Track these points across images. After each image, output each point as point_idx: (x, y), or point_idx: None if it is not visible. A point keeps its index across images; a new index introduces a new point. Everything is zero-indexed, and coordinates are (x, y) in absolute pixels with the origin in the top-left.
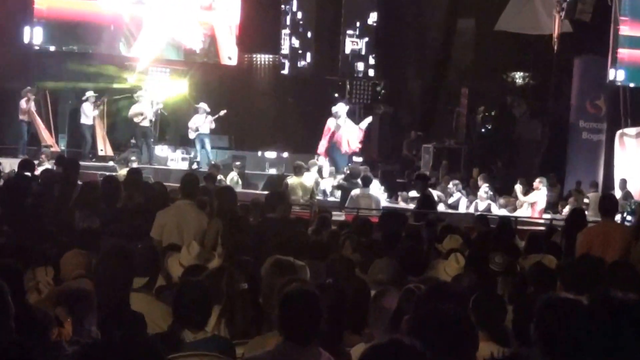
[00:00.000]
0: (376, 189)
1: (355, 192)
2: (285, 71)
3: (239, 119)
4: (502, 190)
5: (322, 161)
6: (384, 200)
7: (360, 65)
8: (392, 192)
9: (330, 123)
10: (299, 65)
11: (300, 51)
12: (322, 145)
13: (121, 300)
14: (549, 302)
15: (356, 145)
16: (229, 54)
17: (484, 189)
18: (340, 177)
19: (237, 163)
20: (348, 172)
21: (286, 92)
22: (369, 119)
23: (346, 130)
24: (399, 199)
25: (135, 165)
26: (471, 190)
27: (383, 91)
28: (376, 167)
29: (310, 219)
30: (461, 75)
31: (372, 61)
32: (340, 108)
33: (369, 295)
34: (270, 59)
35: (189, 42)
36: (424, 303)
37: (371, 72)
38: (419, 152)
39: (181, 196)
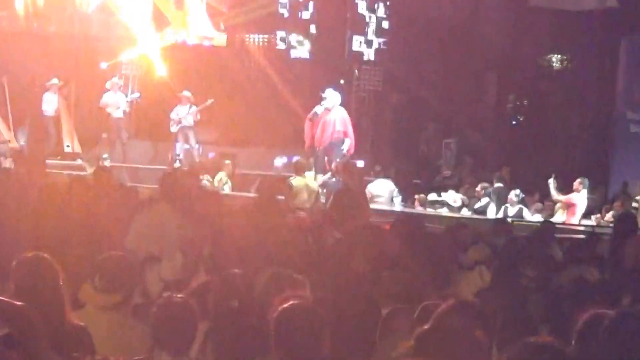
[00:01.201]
0: (388, 190)
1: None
2: (283, 54)
3: (228, 110)
4: (536, 192)
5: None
6: (398, 204)
7: (370, 47)
8: (408, 194)
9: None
10: (297, 49)
11: (300, 30)
12: (307, 140)
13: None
14: (591, 323)
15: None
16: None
17: (514, 191)
18: (326, 176)
19: (227, 161)
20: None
21: (284, 78)
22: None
23: (325, 121)
24: (416, 202)
25: (107, 163)
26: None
27: (397, 78)
28: (389, 166)
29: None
30: (488, 58)
31: (384, 42)
32: (328, 94)
33: (379, 315)
34: (266, 39)
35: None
36: (441, 323)
37: (383, 55)
38: (438, 148)
39: (161, 199)
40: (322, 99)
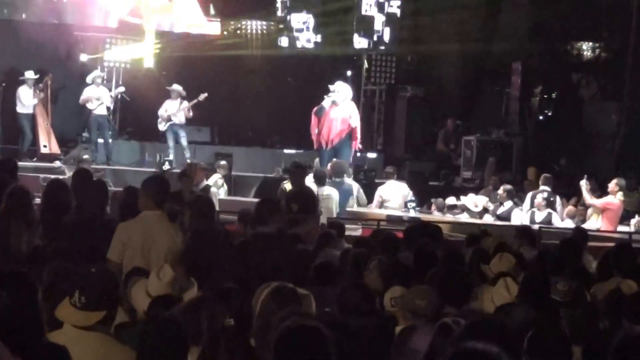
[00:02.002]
0: (401, 194)
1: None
2: (285, 42)
3: (224, 105)
4: (567, 196)
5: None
6: (412, 209)
7: (381, 35)
8: (424, 198)
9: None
10: (302, 34)
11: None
12: (313, 137)
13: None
14: (628, 340)
15: (333, 138)
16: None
17: (541, 194)
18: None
19: (222, 162)
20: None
21: (286, 69)
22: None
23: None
24: (433, 207)
25: (87, 166)
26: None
27: (411, 68)
28: (403, 166)
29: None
30: (513, 46)
31: (397, 29)
32: (338, 87)
33: (392, 333)
34: (264, 26)
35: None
36: (462, 342)
37: (396, 44)
38: (458, 146)
39: (148, 204)
40: (329, 91)
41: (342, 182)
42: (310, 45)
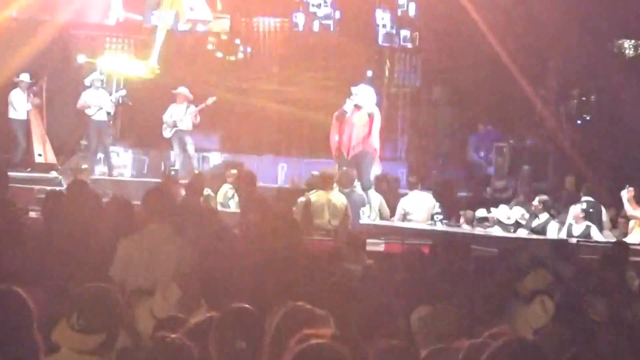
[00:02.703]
0: (427, 205)
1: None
2: (301, 19)
3: (234, 110)
4: (607, 207)
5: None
6: (439, 222)
7: (405, 31)
8: (451, 210)
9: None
10: (318, 31)
11: (320, 12)
12: (332, 144)
13: None
14: None
15: (355, 147)
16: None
17: (580, 205)
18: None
19: (232, 171)
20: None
21: (301, 69)
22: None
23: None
24: (461, 220)
25: (86, 177)
26: (563, 208)
27: (438, 68)
28: (428, 176)
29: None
30: (548, 44)
31: (422, 26)
32: (361, 90)
33: (417, 357)
34: (279, 24)
35: None
36: None
37: (421, 41)
38: (489, 153)
39: (152, 218)
40: (351, 95)
41: (351, 193)
42: (329, 22)
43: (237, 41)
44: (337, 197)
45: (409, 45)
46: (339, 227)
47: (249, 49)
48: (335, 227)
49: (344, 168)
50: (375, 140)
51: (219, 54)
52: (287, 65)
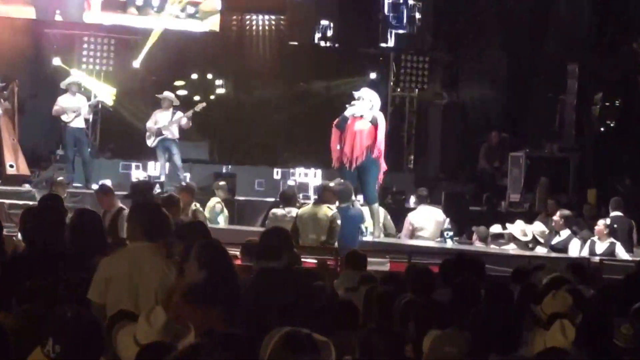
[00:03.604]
0: (436, 221)
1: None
2: (296, 41)
3: (225, 117)
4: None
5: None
6: (450, 241)
7: (411, 31)
8: (463, 226)
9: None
10: (316, 31)
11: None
12: (334, 154)
13: None
14: None
15: (357, 156)
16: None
17: (604, 220)
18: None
19: (222, 183)
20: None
21: (297, 72)
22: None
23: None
24: (474, 236)
25: (62, 190)
26: (586, 223)
27: (447, 71)
28: (438, 188)
29: (332, 269)
30: (568, 45)
31: (430, 25)
32: (364, 94)
33: None
34: (273, 22)
35: None
36: None
37: (429, 42)
38: (503, 163)
39: (135, 235)
40: (353, 100)
41: (349, 208)
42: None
43: (228, 41)
44: (322, 211)
45: (417, 46)
46: (325, 243)
47: (241, 50)
48: (321, 243)
49: (342, 181)
50: (381, 148)
51: (209, 55)
52: (282, 66)
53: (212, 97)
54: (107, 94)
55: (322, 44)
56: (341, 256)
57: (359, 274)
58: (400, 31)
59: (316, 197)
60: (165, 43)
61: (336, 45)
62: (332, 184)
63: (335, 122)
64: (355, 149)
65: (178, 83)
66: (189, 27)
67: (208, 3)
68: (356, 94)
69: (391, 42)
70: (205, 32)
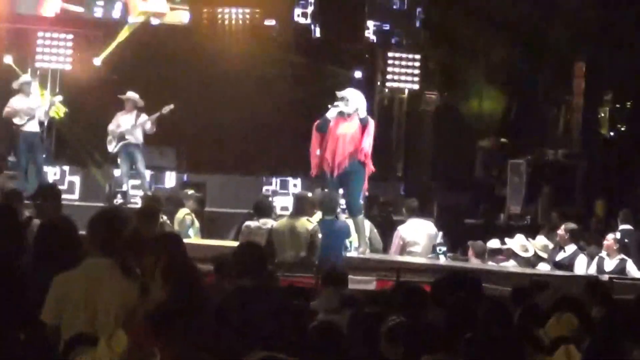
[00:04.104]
0: (427, 235)
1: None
2: (274, 34)
3: (194, 120)
4: None
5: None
6: (443, 257)
7: (401, 25)
8: (457, 241)
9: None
10: (296, 26)
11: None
12: (313, 160)
13: None
14: None
15: (340, 162)
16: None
17: (613, 235)
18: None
19: (191, 193)
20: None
21: (277, 70)
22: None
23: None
24: (470, 252)
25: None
26: (594, 238)
27: (440, 69)
28: (430, 199)
29: (313, 287)
30: (574, 42)
31: (422, 19)
32: (350, 94)
33: None
34: (248, 15)
35: None
36: None
37: (420, 37)
38: (502, 172)
39: (93, 250)
40: (336, 100)
41: (333, 221)
42: (307, 21)
43: (199, 37)
44: (301, 224)
45: (407, 41)
46: (305, 260)
47: (213, 46)
48: (300, 260)
49: (325, 191)
50: (367, 151)
51: (176, 53)
52: (258, 65)
53: (180, 98)
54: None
55: (301, 38)
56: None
57: (339, 294)
58: (388, 24)
59: (293, 208)
60: (129, 38)
61: (316, 38)
62: (310, 194)
63: (315, 124)
64: (337, 154)
65: (143, 82)
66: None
67: (174, 14)
68: (340, 93)
69: (378, 37)
70: (173, 25)
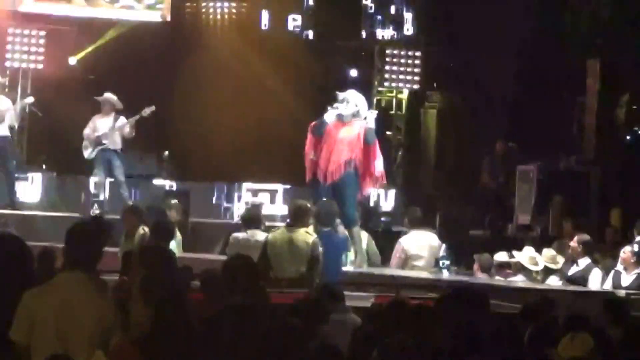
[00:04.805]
0: (430, 247)
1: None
2: (264, 30)
3: (177, 123)
4: None
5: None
6: (447, 272)
7: (400, 20)
8: (463, 253)
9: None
10: (287, 21)
11: None
12: (307, 164)
13: None
14: None
15: (336, 167)
16: None
17: (631, 247)
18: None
19: (174, 202)
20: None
21: (265, 70)
22: (372, 114)
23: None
24: (476, 266)
25: None
26: (610, 250)
27: (444, 68)
28: (432, 209)
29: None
30: (588, 38)
31: (420, 15)
32: (351, 96)
33: None
34: (234, 10)
35: None
36: None
37: (420, 35)
38: (510, 179)
39: (67, 265)
40: (335, 101)
41: (332, 233)
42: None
43: (181, 34)
44: (301, 236)
45: (406, 37)
46: (306, 276)
47: (196, 44)
48: (301, 276)
49: (323, 199)
50: (370, 164)
51: (158, 50)
52: (245, 63)
53: (161, 99)
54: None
55: (293, 35)
56: None
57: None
58: (387, 20)
59: (289, 218)
60: (105, 35)
61: (309, 37)
62: (308, 203)
63: (311, 126)
64: (331, 162)
65: (121, 83)
66: (139, 17)
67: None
68: (340, 94)
69: (376, 33)
70: (153, 22)
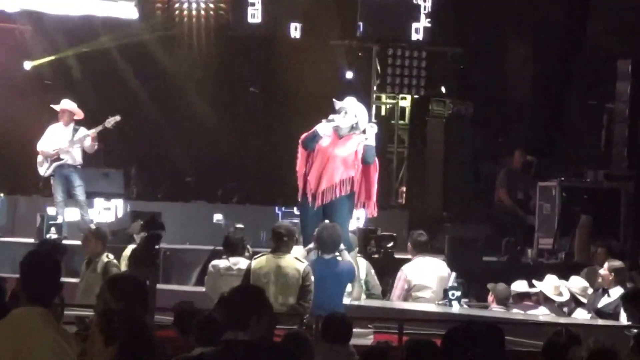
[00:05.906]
0: (438, 276)
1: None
2: (242, 30)
3: (146, 135)
4: None
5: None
6: (457, 304)
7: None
8: (476, 283)
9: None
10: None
11: None
12: (301, 186)
13: None
14: None
15: (328, 187)
16: None
17: None
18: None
19: (142, 222)
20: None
21: (245, 76)
22: (372, 128)
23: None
24: (490, 297)
25: None
26: None
27: (452, 71)
28: (440, 231)
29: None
30: (617, 36)
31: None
32: (348, 105)
33: None
34: (212, 6)
35: None
36: None
37: (428, 35)
38: (530, 197)
39: (22, 298)
40: (333, 111)
41: (335, 261)
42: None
43: (151, 33)
44: (289, 264)
45: (410, 37)
46: (295, 308)
47: (168, 47)
48: (289, 308)
49: (326, 222)
50: (368, 186)
51: (125, 52)
52: (224, 66)
53: (128, 108)
54: None
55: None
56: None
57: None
58: (387, 17)
59: (274, 244)
60: (66, 35)
61: (297, 35)
62: (294, 226)
63: (302, 139)
64: (322, 181)
65: (82, 89)
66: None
67: (120, 8)
68: (338, 104)
69: (374, 32)
70: (119, 20)
